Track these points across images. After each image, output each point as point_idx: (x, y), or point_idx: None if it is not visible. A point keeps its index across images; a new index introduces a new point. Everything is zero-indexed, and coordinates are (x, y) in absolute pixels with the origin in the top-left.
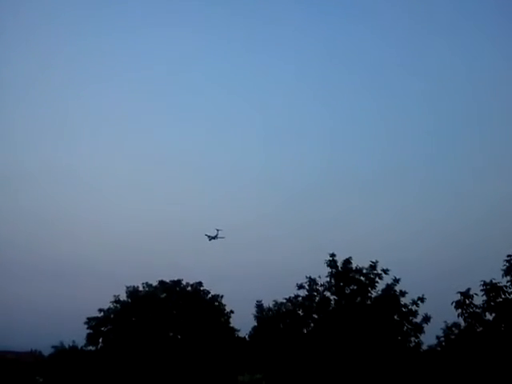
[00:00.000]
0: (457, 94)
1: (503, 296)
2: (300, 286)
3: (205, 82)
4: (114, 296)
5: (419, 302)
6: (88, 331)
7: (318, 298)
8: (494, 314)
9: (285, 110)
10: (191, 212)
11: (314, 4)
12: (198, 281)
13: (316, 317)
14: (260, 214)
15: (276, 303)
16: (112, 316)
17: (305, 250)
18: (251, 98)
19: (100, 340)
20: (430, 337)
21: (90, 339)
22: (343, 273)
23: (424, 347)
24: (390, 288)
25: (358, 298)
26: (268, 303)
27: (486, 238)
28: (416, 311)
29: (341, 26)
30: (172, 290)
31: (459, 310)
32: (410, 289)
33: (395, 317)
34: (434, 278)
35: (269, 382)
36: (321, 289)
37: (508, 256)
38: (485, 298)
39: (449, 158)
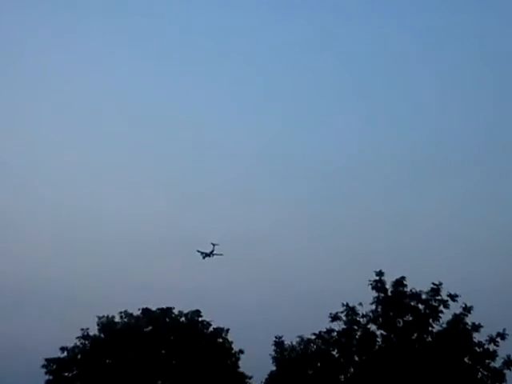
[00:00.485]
0: None
1: None
2: (334, 317)
3: None
4: (82, 330)
5: (499, 339)
6: (47, 377)
7: (359, 334)
8: None
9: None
10: (185, 217)
11: None
12: (194, 309)
13: (357, 359)
14: (274, 220)
15: (302, 340)
16: (79, 357)
17: (339, 268)
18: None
19: None
20: None
21: None
22: (394, 298)
23: None
24: (458, 320)
25: (415, 334)
26: (291, 340)
27: None
28: (495, 352)
29: None
30: (160, 321)
31: None
32: (486, 321)
33: (466, 359)
34: None
35: None
36: (363, 320)
37: None
38: None
39: None
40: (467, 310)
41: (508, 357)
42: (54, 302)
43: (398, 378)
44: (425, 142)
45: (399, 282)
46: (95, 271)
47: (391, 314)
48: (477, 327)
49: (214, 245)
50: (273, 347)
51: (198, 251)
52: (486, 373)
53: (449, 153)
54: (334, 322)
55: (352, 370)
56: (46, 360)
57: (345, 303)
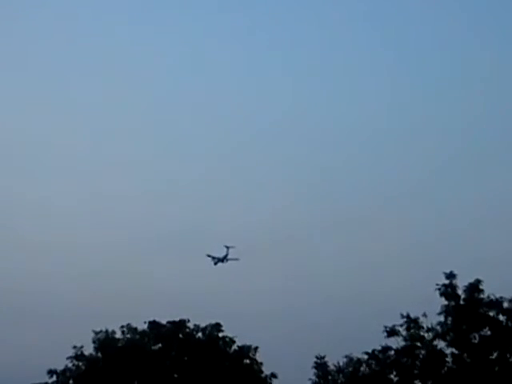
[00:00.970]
0: None
1: None
2: (391, 332)
3: None
4: (75, 348)
5: None
6: None
7: (423, 352)
8: None
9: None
10: (196, 210)
11: None
12: (213, 322)
13: None
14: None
15: (350, 360)
16: (71, 382)
17: (396, 268)
18: None
19: None
20: None
21: None
22: (468, 307)
23: None
24: None
25: (495, 353)
26: (336, 360)
27: None
28: None
29: None
30: (171, 337)
31: None
32: None
33: None
34: None
35: None
36: (428, 336)
37: None
38: None
39: None
40: None
41: None
42: (38, 313)
43: None
44: None
45: (474, 287)
46: (89, 276)
47: (464, 327)
48: None
49: (227, 248)
50: (313, 370)
51: (209, 256)
52: None
53: None
54: (391, 338)
55: None
56: None
57: (404, 314)
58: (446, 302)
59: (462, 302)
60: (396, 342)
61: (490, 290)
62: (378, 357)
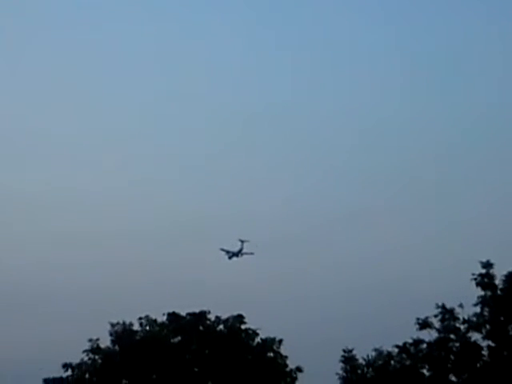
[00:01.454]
0: None
1: None
2: (423, 324)
3: None
4: (91, 341)
5: None
6: None
7: (457, 345)
8: None
9: None
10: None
11: None
12: (235, 313)
13: (454, 379)
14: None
15: (380, 354)
16: (87, 376)
17: (430, 256)
18: None
19: None
20: None
21: None
22: (506, 298)
23: None
24: None
25: None
26: (364, 354)
27: None
28: None
29: None
30: (191, 329)
31: None
32: None
33: None
34: None
35: None
36: (463, 328)
37: None
38: None
39: None
40: None
41: None
42: (51, 304)
43: None
44: None
45: None
46: (105, 266)
47: (502, 318)
48: None
49: (242, 242)
50: (341, 364)
51: (223, 249)
52: None
53: None
54: (424, 330)
55: None
56: (45, 381)
57: (440, 304)
58: (482, 293)
59: (499, 293)
60: (428, 335)
61: None
62: (410, 350)
